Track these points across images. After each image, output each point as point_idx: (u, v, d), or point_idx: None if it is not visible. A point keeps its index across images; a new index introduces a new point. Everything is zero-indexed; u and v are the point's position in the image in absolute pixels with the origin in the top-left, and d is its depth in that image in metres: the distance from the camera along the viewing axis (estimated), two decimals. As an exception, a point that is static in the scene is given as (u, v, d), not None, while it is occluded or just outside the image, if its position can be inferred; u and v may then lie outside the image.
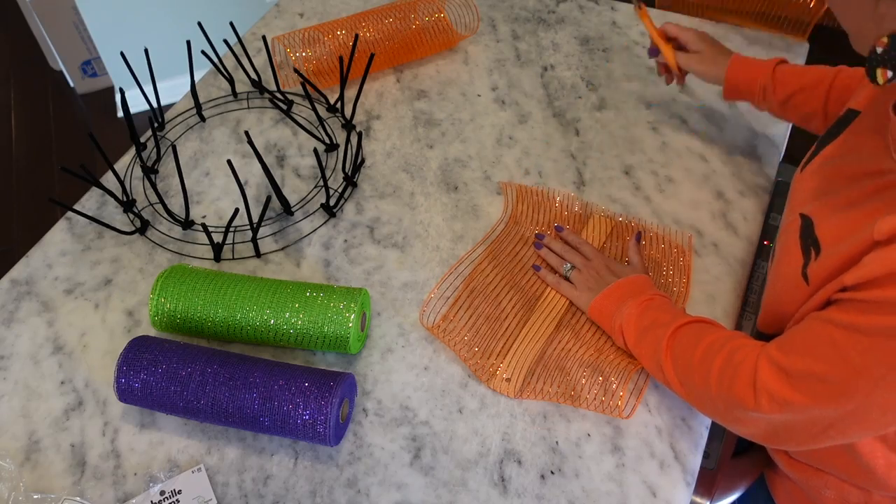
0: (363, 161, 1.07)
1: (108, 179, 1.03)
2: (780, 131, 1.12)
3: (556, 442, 0.78)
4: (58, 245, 0.98)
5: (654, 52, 1.08)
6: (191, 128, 1.14)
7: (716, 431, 0.89)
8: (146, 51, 1.09)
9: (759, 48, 1.25)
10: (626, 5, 1.36)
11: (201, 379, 0.74)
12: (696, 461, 0.77)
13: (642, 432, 0.79)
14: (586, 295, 0.87)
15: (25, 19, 2.48)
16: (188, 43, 1.08)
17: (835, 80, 0.92)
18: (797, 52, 1.24)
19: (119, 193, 1.01)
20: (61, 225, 1.00)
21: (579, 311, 0.88)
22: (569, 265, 0.91)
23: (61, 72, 2.61)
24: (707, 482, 0.89)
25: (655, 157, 1.08)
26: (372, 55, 1.09)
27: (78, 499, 0.70)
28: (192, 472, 0.76)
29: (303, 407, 0.72)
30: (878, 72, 0.57)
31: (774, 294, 0.74)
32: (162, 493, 0.74)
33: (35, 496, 0.73)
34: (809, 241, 0.67)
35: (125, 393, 0.76)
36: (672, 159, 1.08)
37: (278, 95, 1.15)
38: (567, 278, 0.90)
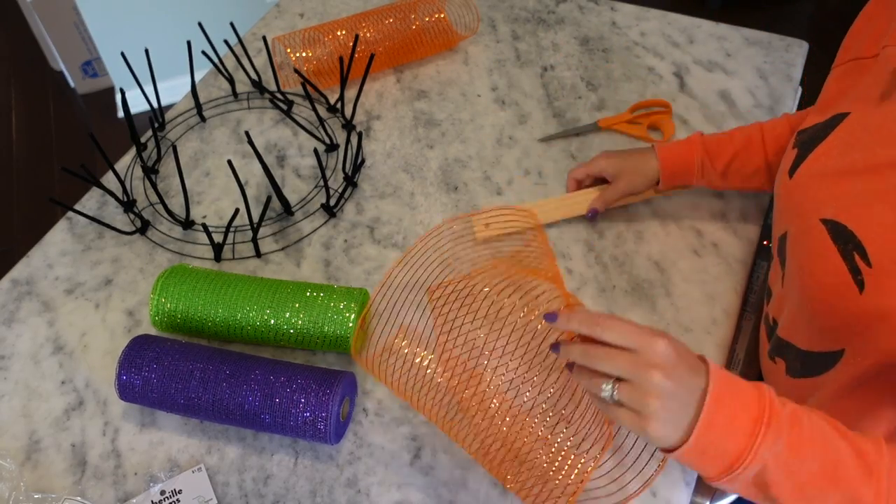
0: (363, 161, 1.08)
1: (109, 179, 1.03)
2: (780, 131, 1.12)
3: (556, 442, 0.78)
4: (58, 245, 0.98)
5: (592, 213, 0.97)
6: (191, 128, 1.14)
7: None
8: (147, 51, 1.09)
9: (759, 48, 1.25)
10: (626, 6, 1.36)
11: (202, 376, 0.74)
12: (695, 461, 0.77)
13: (642, 432, 0.79)
14: (666, 430, 0.56)
15: (26, 19, 2.48)
16: (188, 43, 1.09)
17: (764, 135, 0.92)
18: (797, 53, 1.24)
19: (119, 193, 1.01)
20: (62, 225, 1.00)
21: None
22: (608, 386, 0.58)
23: (62, 72, 2.62)
24: (707, 483, 0.89)
25: (655, 158, 1.08)
26: (372, 55, 1.09)
27: (79, 499, 0.71)
28: (193, 471, 0.76)
29: (303, 404, 0.72)
30: None
31: (816, 307, 0.68)
32: (162, 492, 0.74)
33: (36, 496, 0.73)
34: (851, 248, 0.64)
35: (126, 390, 0.76)
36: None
37: (278, 96, 1.16)
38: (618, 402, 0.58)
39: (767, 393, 0.56)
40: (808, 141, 0.75)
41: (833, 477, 0.54)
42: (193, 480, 0.75)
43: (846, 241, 0.65)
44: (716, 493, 0.91)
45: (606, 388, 0.57)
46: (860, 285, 0.63)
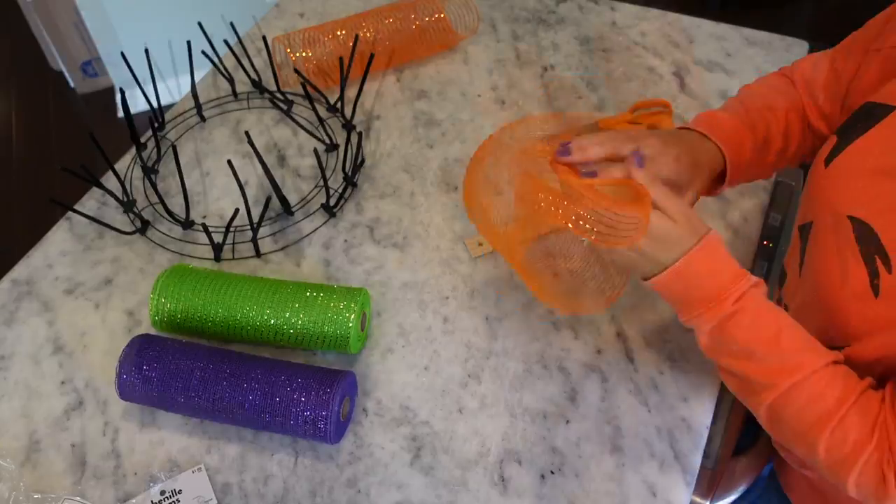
0: (363, 161, 1.08)
1: (109, 179, 1.03)
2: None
3: (556, 442, 0.78)
4: (58, 245, 0.98)
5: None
6: (191, 128, 1.14)
7: (716, 432, 0.89)
8: (146, 51, 1.09)
9: (759, 49, 1.25)
10: (626, 6, 1.36)
11: (203, 374, 0.74)
12: (696, 461, 0.77)
13: (642, 432, 0.79)
14: (646, 263, 0.69)
15: (26, 19, 2.48)
16: (188, 43, 1.08)
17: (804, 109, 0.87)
18: (797, 53, 1.24)
19: (119, 193, 1.01)
20: (62, 225, 1.00)
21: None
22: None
23: (61, 72, 2.61)
24: (707, 482, 0.89)
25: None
26: (371, 55, 1.09)
27: (78, 499, 0.70)
28: (193, 471, 0.76)
29: (304, 402, 0.72)
30: None
31: (833, 304, 0.69)
32: (162, 492, 0.74)
33: (35, 496, 0.73)
34: (873, 250, 0.64)
35: (126, 388, 0.76)
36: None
37: (278, 95, 1.16)
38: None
39: (736, 283, 0.66)
40: (848, 130, 0.73)
41: (745, 364, 0.66)
42: (193, 480, 0.75)
43: (869, 244, 0.65)
44: (716, 493, 0.91)
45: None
46: (875, 290, 0.63)
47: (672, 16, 1.34)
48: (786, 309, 0.79)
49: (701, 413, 0.80)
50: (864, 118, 0.72)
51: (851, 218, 0.67)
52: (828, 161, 0.73)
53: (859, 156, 0.70)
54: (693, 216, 0.68)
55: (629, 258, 0.69)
